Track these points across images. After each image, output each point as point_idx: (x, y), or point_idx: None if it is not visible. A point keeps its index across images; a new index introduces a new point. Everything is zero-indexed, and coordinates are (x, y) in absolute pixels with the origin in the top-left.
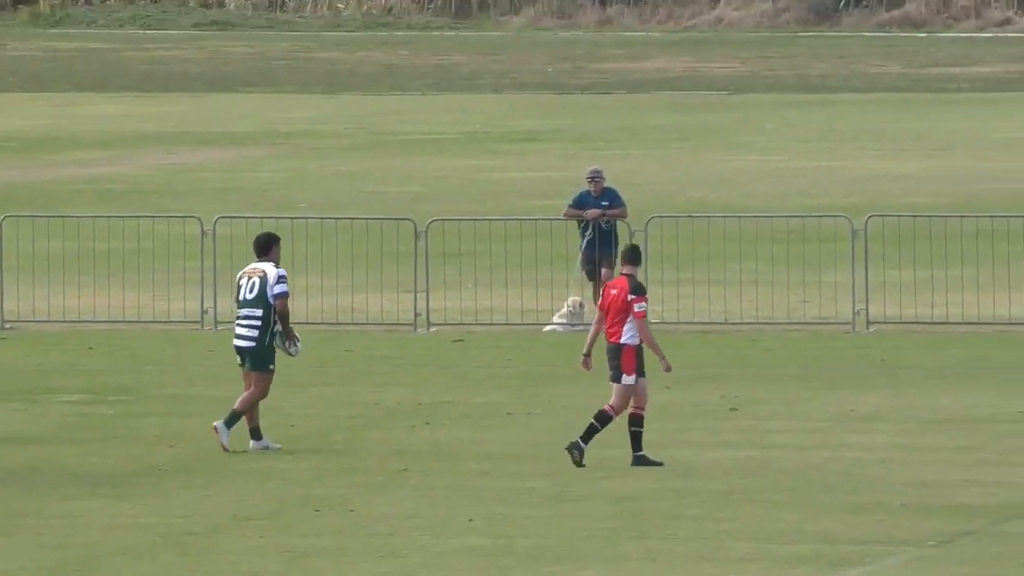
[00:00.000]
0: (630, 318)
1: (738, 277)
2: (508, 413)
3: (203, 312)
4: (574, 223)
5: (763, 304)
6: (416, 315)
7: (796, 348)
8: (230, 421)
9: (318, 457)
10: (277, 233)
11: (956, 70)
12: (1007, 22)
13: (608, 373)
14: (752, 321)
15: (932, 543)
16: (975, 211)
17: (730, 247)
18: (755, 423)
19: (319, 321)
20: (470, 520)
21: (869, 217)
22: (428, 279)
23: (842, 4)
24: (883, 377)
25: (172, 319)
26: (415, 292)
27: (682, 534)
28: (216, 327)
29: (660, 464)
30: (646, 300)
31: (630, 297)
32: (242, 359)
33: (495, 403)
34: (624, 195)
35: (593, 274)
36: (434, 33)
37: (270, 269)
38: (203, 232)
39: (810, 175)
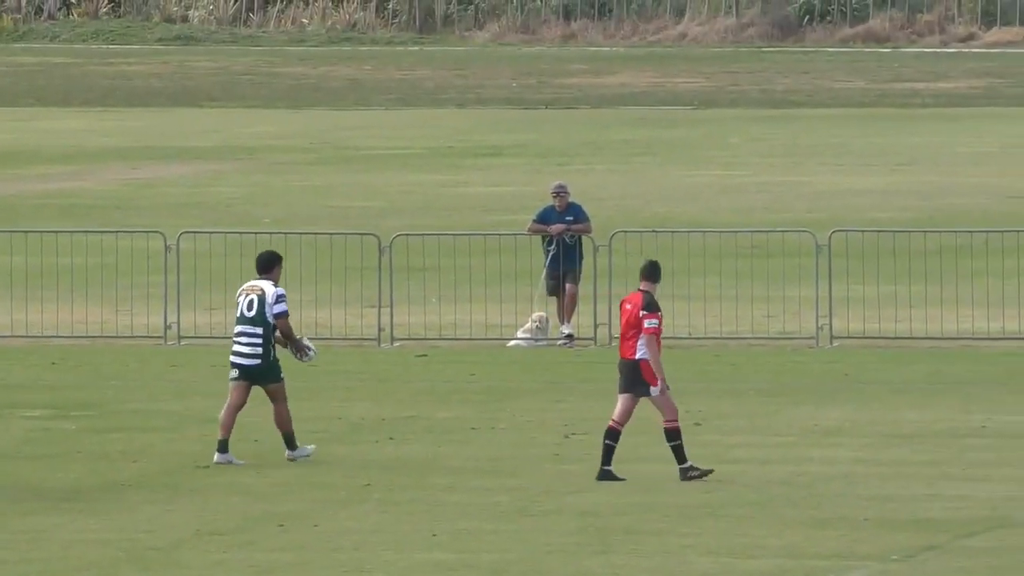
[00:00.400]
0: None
1: (702, 292)
2: (472, 428)
3: (166, 327)
4: (538, 238)
5: (727, 319)
6: (380, 330)
7: (760, 363)
8: (289, 443)
9: (282, 472)
10: (275, 251)
11: (920, 85)
12: (971, 37)
13: (619, 385)
14: (716, 336)
15: (895, 558)
16: (939, 226)
17: (694, 262)
18: (719, 438)
19: None
20: (434, 535)
21: (833, 232)
22: (392, 294)
23: (806, 20)
24: (847, 392)
25: (135, 334)
26: (379, 307)
27: (645, 549)
28: (179, 342)
29: (623, 480)
30: (658, 317)
31: (642, 313)
32: (245, 375)
33: (459, 418)
34: (588, 210)
35: (556, 289)
36: (398, 48)
37: (268, 287)
38: (166, 247)
39: (774, 190)
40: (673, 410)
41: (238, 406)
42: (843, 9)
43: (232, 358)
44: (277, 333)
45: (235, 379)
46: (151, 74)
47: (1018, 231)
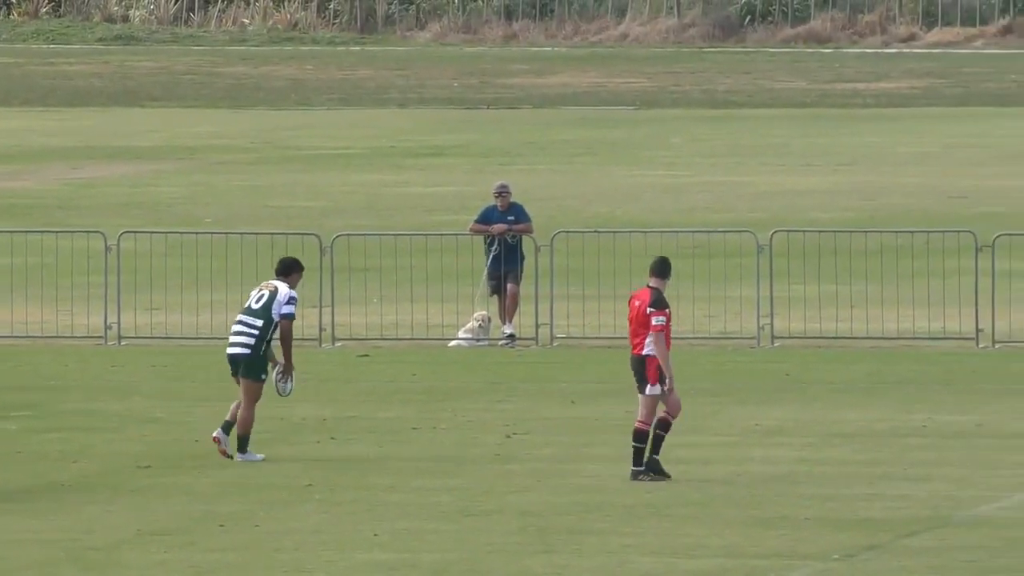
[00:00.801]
0: None
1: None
2: (413, 428)
3: (107, 327)
4: (480, 238)
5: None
6: (321, 330)
7: (701, 363)
8: (241, 446)
9: (223, 472)
10: (298, 259)
11: (861, 86)
12: (912, 38)
13: (636, 386)
14: None
15: (836, 557)
16: (880, 226)
17: (636, 262)
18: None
19: (223, 336)
20: (375, 535)
21: (774, 232)
22: (333, 294)
23: (747, 20)
24: (788, 391)
25: (76, 334)
26: (320, 307)
27: (587, 549)
28: (120, 342)
29: (669, 476)
30: (666, 314)
31: (649, 310)
32: (235, 367)
33: (400, 418)
34: (530, 210)
35: (498, 289)
36: (340, 48)
37: (283, 287)
38: (107, 247)
39: (715, 190)
40: (677, 407)
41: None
42: (784, 9)
43: (229, 350)
44: (275, 336)
45: (235, 375)
46: (92, 74)
47: (959, 231)
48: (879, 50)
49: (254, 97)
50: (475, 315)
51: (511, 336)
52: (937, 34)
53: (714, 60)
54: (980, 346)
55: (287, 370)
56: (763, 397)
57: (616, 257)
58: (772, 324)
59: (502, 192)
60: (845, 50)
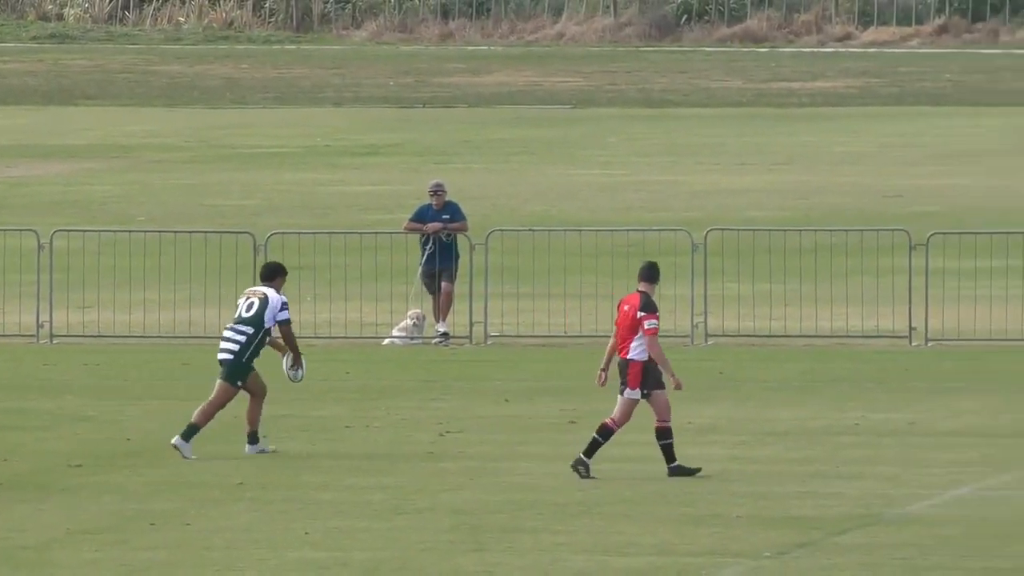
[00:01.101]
0: (639, 334)
1: (578, 291)
2: (347, 426)
3: (39, 326)
4: (415, 237)
5: (602, 318)
6: None
7: None
8: (189, 433)
9: (154, 471)
10: (282, 264)
11: (797, 85)
12: (848, 37)
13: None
14: (592, 335)
15: (768, 555)
16: (814, 225)
17: (571, 261)
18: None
19: (156, 335)
20: (307, 533)
21: (709, 231)
22: None
23: (684, 19)
24: (722, 390)
25: (7, 333)
26: None
27: (519, 547)
28: (52, 341)
29: (698, 470)
30: (657, 317)
31: (640, 314)
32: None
33: (334, 416)
34: (465, 209)
35: (433, 288)
36: (275, 47)
37: (272, 293)
38: (39, 245)
39: (651, 189)
40: (667, 412)
41: (255, 397)
42: (721, 9)
43: (219, 355)
44: (276, 338)
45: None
46: (26, 72)
47: (893, 230)
48: (815, 49)
49: (189, 96)
50: (409, 313)
51: (445, 334)
52: (873, 33)
53: (650, 59)
54: (913, 344)
55: (296, 360)
56: (696, 395)
57: (551, 255)
58: (706, 322)
59: (437, 191)
60: (781, 49)
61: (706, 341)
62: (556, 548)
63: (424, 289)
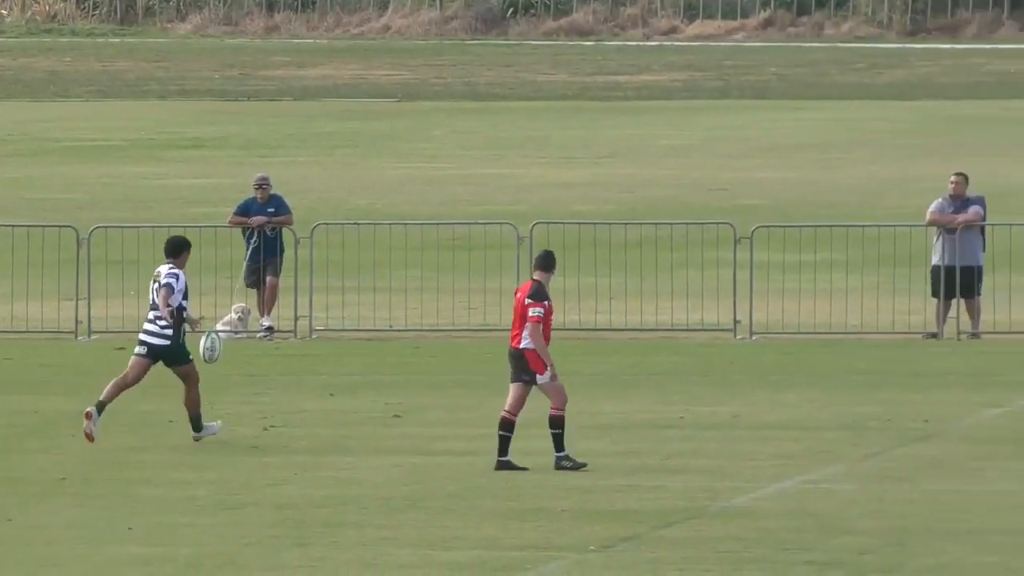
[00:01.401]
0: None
1: (403, 285)
2: (170, 421)
3: None
4: (239, 230)
5: (427, 311)
6: (77, 323)
7: (461, 355)
8: (195, 425)
9: None
10: (186, 238)
11: (622, 78)
12: (673, 31)
13: (510, 375)
14: (416, 328)
15: (592, 548)
16: (639, 218)
17: (396, 255)
18: (419, 430)
19: None
20: (130, 528)
21: (535, 224)
22: (90, 287)
23: (510, 13)
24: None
25: None
26: (76, 299)
27: (344, 541)
28: None
29: (584, 465)
30: (543, 306)
31: (527, 301)
32: (157, 358)
33: (158, 411)
34: (290, 202)
35: (257, 282)
36: (99, 40)
37: (164, 268)
38: None
39: (477, 182)
40: (561, 399)
41: (189, 383)
42: (547, 2)
43: (145, 337)
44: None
45: (143, 356)
46: None
47: (718, 223)
48: (641, 43)
49: (12, 89)
50: (234, 307)
51: (269, 328)
52: (698, 27)
53: (476, 52)
54: (738, 337)
55: (189, 322)
56: None
57: (376, 249)
58: None
59: (262, 184)
60: (607, 43)
61: None
62: (380, 542)
63: (248, 283)
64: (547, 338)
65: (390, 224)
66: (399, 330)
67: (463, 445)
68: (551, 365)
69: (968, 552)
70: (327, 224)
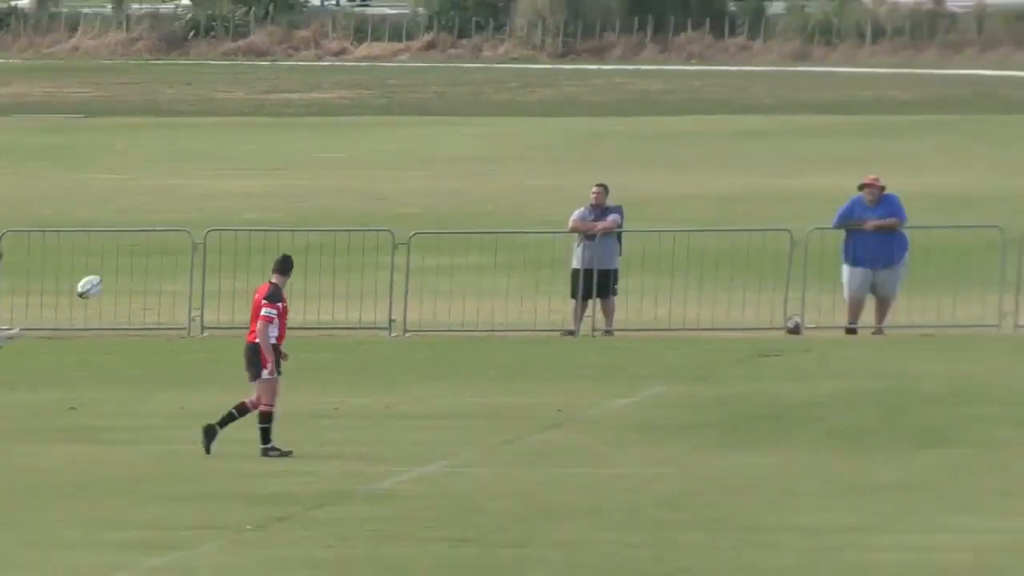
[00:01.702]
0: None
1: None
2: None
3: None
4: None
5: (107, 312)
6: None
7: (136, 352)
8: None
9: None
10: None
11: (295, 96)
12: (344, 52)
13: (247, 373)
14: (96, 328)
15: (249, 527)
16: (307, 226)
17: (78, 259)
18: (92, 421)
19: None
20: None
21: (208, 231)
22: None
23: (192, 34)
24: (213, 378)
25: None
26: None
27: (18, 523)
28: None
29: (289, 453)
30: (276, 307)
31: (263, 301)
32: None
33: None
34: None
35: None
36: None
37: None
38: None
39: (156, 192)
40: (273, 396)
41: None
42: (227, 25)
43: None
44: None
45: None
46: None
47: (378, 230)
48: (313, 63)
49: None
50: None
51: None
52: (367, 49)
53: (160, 72)
54: (392, 335)
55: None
56: (190, 384)
57: (61, 255)
58: (203, 315)
59: None
60: (282, 63)
61: (202, 333)
62: (52, 524)
63: None
64: (283, 336)
65: (74, 231)
66: (80, 329)
67: (133, 435)
68: (272, 363)
69: (590, 529)
70: (15, 231)
